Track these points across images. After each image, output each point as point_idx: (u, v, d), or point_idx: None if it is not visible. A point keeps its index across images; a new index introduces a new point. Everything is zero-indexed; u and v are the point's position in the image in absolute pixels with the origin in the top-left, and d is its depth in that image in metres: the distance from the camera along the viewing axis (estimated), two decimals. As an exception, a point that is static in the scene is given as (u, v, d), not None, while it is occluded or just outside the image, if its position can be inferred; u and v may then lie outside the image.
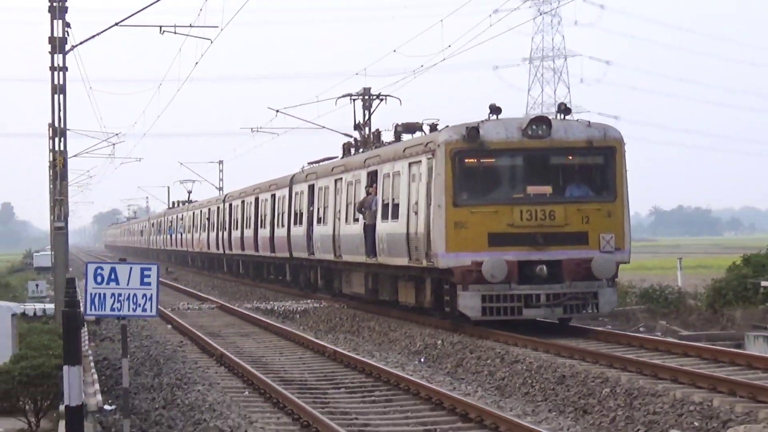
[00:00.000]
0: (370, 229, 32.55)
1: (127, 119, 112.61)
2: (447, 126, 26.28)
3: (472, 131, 25.13)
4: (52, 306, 31.51)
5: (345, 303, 42.49)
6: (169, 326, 38.22)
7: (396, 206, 30.08)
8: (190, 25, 34.63)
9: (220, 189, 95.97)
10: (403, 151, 30.02)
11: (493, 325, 28.76)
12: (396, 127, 34.86)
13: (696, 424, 17.68)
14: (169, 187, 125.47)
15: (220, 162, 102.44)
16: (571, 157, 26.28)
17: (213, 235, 67.06)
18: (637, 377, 21.42)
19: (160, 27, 34.54)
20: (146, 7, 31.80)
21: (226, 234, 61.84)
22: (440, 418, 19.87)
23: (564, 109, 26.69)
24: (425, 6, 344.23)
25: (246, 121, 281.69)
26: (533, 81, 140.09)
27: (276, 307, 43.50)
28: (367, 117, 44.86)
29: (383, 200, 31.75)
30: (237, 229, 57.78)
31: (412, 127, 33.72)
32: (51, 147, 34.30)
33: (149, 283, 16.00)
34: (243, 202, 56.12)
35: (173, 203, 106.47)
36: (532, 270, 24.99)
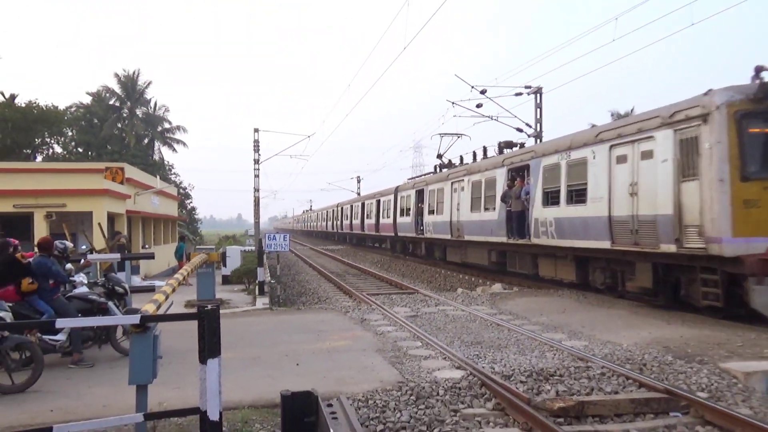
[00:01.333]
0: (516, 215, 14.16)
1: (279, 185, 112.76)
2: (713, 89, 7.75)
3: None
4: (254, 247, 30.63)
5: (350, 246, 40.99)
6: (293, 254, 37.18)
7: (573, 192, 11.40)
8: (299, 155, 33.99)
9: (309, 210, 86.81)
10: (596, 136, 10.64)
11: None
12: (499, 144, 17.55)
13: (467, 286, 16.87)
14: (293, 208, 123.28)
15: (310, 201, 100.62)
16: None
17: (331, 222, 51.64)
18: (458, 274, 18.84)
19: (290, 155, 33.66)
20: (286, 149, 31.03)
21: (338, 222, 46.62)
22: (383, 283, 18.90)
23: None
24: (382, 142, 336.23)
25: (323, 185, 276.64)
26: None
27: (330, 248, 42.11)
28: (446, 149, 24.11)
29: (543, 189, 12.61)
30: (347, 219, 42.28)
31: (509, 144, 17.31)
32: (254, 196, 33.39)
33: (287, 239, 15.49)
34: (351, 206, 40.79)
35: (303, 210, 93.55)
36: None
